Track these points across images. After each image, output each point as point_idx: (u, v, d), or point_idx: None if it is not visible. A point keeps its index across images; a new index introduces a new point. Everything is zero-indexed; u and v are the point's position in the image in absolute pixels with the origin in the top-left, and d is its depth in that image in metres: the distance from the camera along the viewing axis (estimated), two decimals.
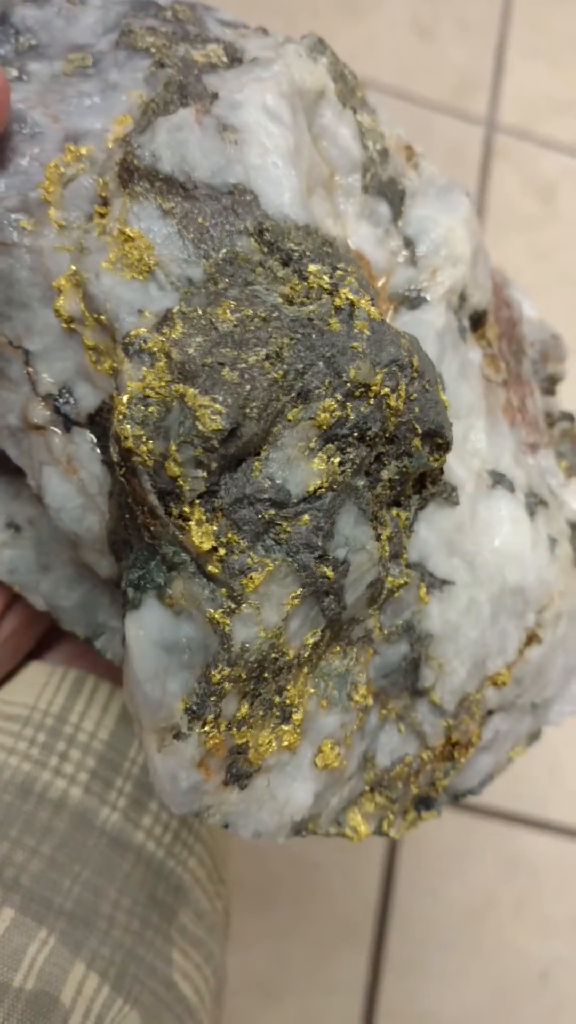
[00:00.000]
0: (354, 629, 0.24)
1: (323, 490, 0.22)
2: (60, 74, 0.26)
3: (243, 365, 0.21)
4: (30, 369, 0.24)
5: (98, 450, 0.24)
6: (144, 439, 0.21)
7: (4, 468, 0.27)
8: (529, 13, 0.98)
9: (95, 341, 0.23)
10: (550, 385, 0.33)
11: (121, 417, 0.21)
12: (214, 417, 0.21)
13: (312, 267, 0.23)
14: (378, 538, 0.24)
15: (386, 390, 0.22)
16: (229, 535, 0.21)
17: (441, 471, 0.25)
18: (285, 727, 0.23)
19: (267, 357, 0.21)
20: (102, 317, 0.23)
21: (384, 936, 0.63)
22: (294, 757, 0.24)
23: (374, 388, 0.22)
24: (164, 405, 0.21)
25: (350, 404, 0.22)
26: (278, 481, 0.22)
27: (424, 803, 0.27)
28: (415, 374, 0.23)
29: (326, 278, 0.23)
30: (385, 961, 0.63)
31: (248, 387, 0.21)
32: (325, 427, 0.22)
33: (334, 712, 0.24)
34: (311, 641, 0.23)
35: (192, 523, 0.21)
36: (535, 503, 0.28)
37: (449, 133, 0.89)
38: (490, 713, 0.28)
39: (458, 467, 0.27)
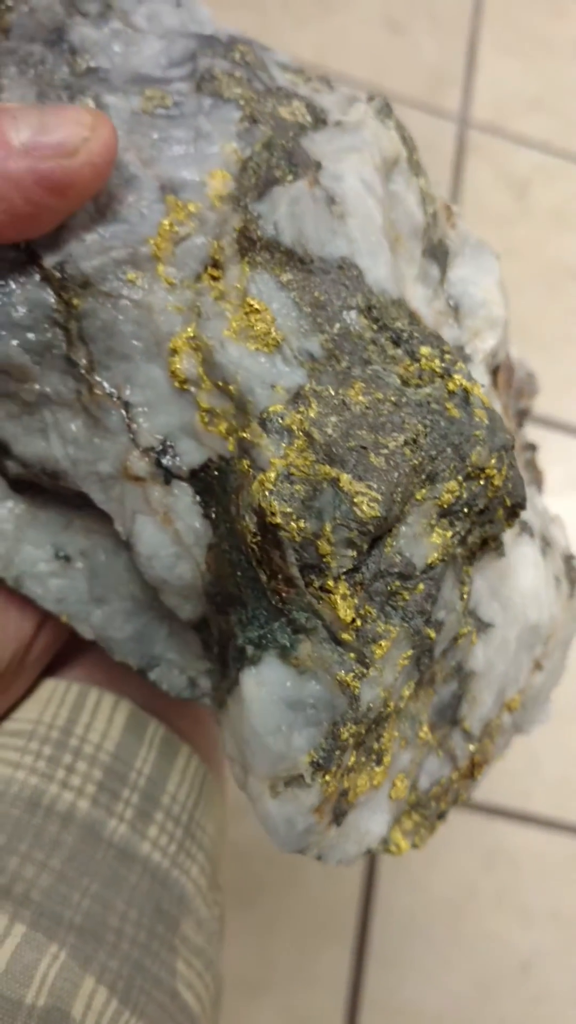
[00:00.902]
0: (425, 675, 0.26)
1: (438, 562, 0.23)
2: (140, 111, 0.25)
3: (385, 451, 0.22)
4: (131, 421, 0.25)
5: (198, 505, 0.25)
6: (294, 517, 0.22)
7: (53, 499, 0.27)
8: (500, 9, 0.98)
9: (211, 404, 0.24)
10: (520, 419, 0.34)
11: (267, 493, 0.22)
12: (372, 504, 0.22)
13: (424, 349, 0.24)
14: (463, 597, 0.25)
15: (494, 471, 0.24)
16: (366, 607, 0.23)
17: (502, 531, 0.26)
18: (377, 768, 0.25)
19: (406, 443, 0.22)
20: (230, 387, 0.23)
21: (367, 929, 0.64)
22: (377, 793, 0.25)
23: (489, 471, 0.23)
24: (311, 485, 0.22)
25: (467, 484, 0.23)
26: (406, 556, 0.23)
27: (446, 810, 0.29)
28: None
29: (437, 361, 0.24)
30: (368, 954, 0.63)
31: (396, 473, 0.22)
32: (446, 506, 0.23)
33: (409, 750, 0.26)
34: (407, 694, 0.25)
35: (337, 597, 0.22)
36: (545, 545, 0.30)
37: (422, 129, 0.89)
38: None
39: None
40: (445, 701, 0.27)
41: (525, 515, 0.29)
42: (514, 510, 0.25)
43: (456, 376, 0.24)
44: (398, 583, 0.23)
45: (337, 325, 0.24)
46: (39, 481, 0.27)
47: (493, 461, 0.24)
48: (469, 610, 0.27)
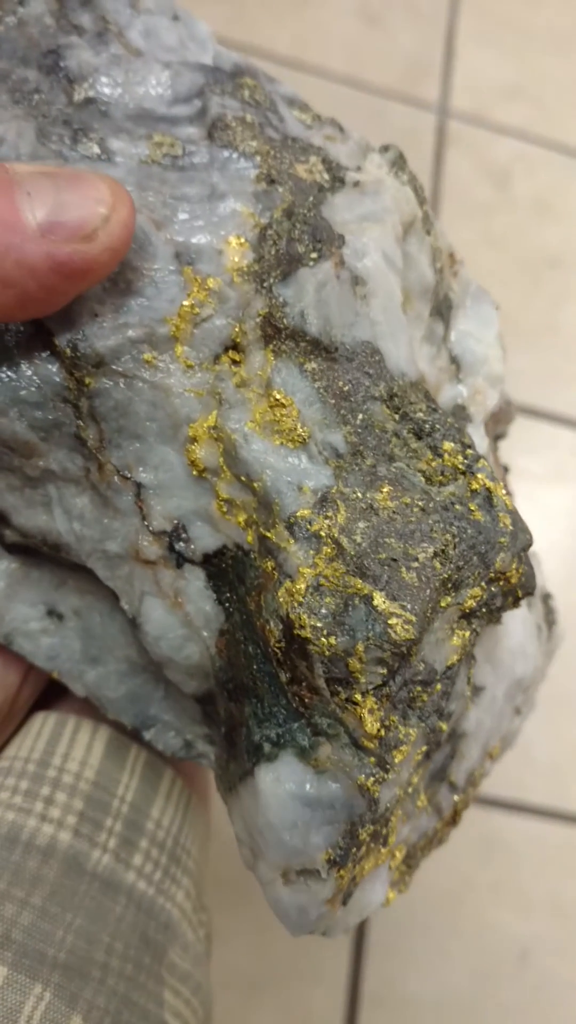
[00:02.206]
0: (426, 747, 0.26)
1: (456, 662, 0.23)
2: (148, 160, 0.24)
3: (416, 564, 0.22)
4: (142, 503, 0.24)
5: (211, 589, 0.24)
6: (324, 632, 0.21)
7: (47, 559, 0.27)
8: None
9: (231, 495, 0.23)
10: (495, 442, 0.33)
11: (297, 605, 0.21)
12: (407, 627, 0.21)
13: (447, 444, 0.23)
14: (469, 680, 0.25)
15: (514, 573, 0.23)
16: (391, 717, 0.22)
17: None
18: (383, 850, 0.25)
19: (435, 555, 0.22)
20: (254, 484, 0.22)
21: (364, 923, 0.64)
22: (380, 868, 0.25)
23: (510, 575, 0.23)
24: (342, 599, 0.21)
25: (488, 588, 0.23)
26: (429, 662, 0.23)
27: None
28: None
29: (460, 458, 0.23)
30: (367, 948, 0.63)
31: (427, 591, 0.22)
32: (468, 611, 0.23)
33: (408, 823, 0.26)
34: (415, 780, 0.24)
35: (364, 711, 0.22)
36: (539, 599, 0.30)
37: (401, 120, 0.89)
38: None
39: None
40: (439, 765, 0.27)
41: None
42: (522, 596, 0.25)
43: (480, 475, 0.23)
44: (419, 688, 0.23)
45: (360, 416, 0.23)
46: (39, 549, 0.26)
47: (515, 565, 0.23)
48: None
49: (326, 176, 0.24)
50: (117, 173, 0.23)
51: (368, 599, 0.21)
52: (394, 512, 0.22)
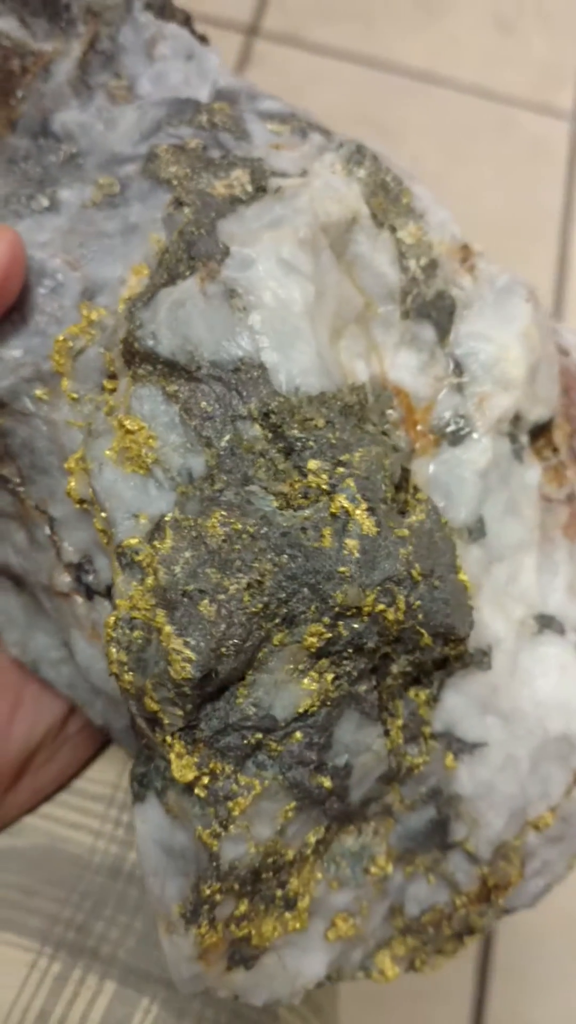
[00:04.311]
0: (369, 808, 0.24)
1: (315, 708, 0.21)
2: (89, 204, 0.24)
3: (223, 596, 0.20)
4: (55, 536, 0.24)
5: None
6: (126, 669, 0.20)
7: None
8: None
9: (103, 527, 0.22)
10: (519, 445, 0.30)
11: (108, 639, 0.21)
12: (184, 665, 0.20)
13: (312, 463, 0.21)
14: (387, 733, 0.23)
15: (381, 607, 0.21)
16: (212, 764, 0.21)
17: (465, 650, 0.23)
18: (289, 914, 0.23)
19: (248, 586, 0.20)
20: (102, 513, 0.22)
21: (491, 943, 0.64)
22: (304, 935, 0.23)
23: (366, 609, 0.21)
24: (147, 632, 0.20)
25: (341, 623, 0.21)
26: (264, 706, 0.21)
27: (467, 931, 0.26)
28: (419, 578, 0.21)
29: (325, 476, 0.21)
30: (492, 969, 0.63)
31: (223, 625, 0.20)
32: (313, 649, 0.21)
33: (346, 890, 0.23)
34: (313, 840, 0.22)
35: (172, 754, 0.21)
36: None
37: (533, 128, 0.88)
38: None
39: (496, 620, 0.24)
40: (417, 829, 0.24)
41: (556, 607, 0.25)
42: (447, 637, 0.22)
43: (339, 496, 0.21)
44: (259, 735, 0.21)
45: (227, 438, 0.21)
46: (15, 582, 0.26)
47: (371, 598, 0.21)
48: (439, 732, 0.24)
49: (249, 188, 0.24)
50: (59, 221, 0.24)
51: (159, 632, 0.20)
52: (223, 540, 0.21)
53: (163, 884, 0.22)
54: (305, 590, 0.21)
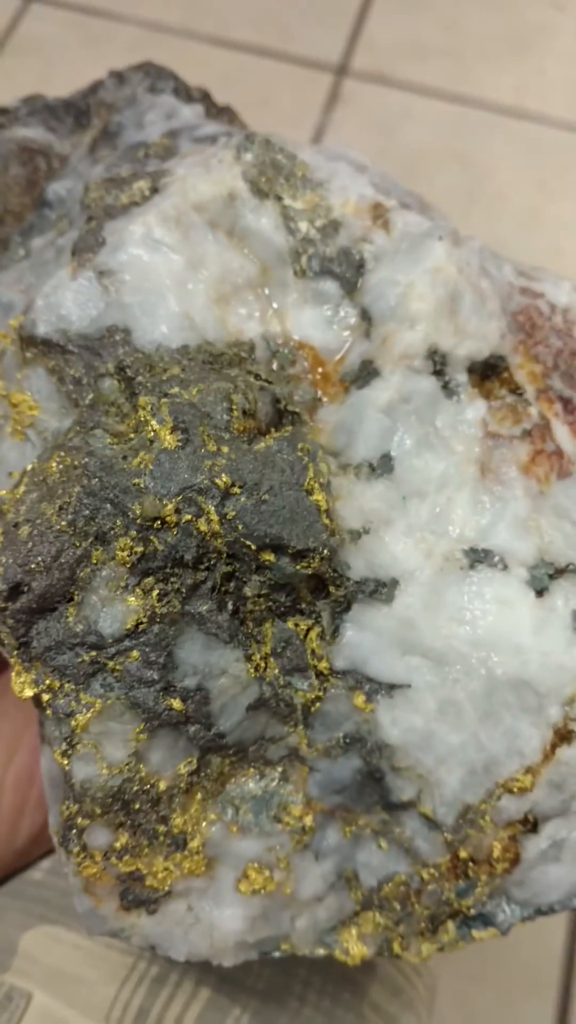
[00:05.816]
0: (268, 749, 0.24)
1: (144, 624, 0.22)
2: (49, 244, 0.28)
3: (40, 520, 0.22)
4: None
5: None
6: None
7: None
8: None
9: None
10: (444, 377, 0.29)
11: None
12: None
13: (142, 400, 0.23)
14: (249, 657, 0.23)
15: (188, 517, 0.22)
16: (48, 681, 0.22)
17: (335, 572, 0.23)
18: (181, 854, 0.23)
19: (60, 509, 0.22)
20: None
21: (570, 986, 0.63)
22: (213, 883, 0.23)
23: (169, 519, 0.22)
24: None
25: (155, 538, 0.22)
26: (91, 623, 0.22)
27: (482, 920, 0.25)
28: (237, 491, 0.22)
29: (149, 409, 0.23)
30: (572, 1012, 0.63)
31: (30, 544, 0.22)
32: (130, 564, 0.22)
33: (251, 836, 0.23)
34: (185, 771, 0.23)
35: (14, 674, 0.22)
36: (547, 576, 0.25)
37: None
38: (533, 824, 0.24)
39: (410, 555, 0.24)
40: (342, 779, 0.24)
41: (499, 542, 0.25)
42: (287, 550, 0.23)
43: (151, 421, 0.23)
44: (93, 652, 0.22)
45: (90, 396, 0.24)
46: None
47: (170, 507, 0.22)
48: (340, 670, 0.23)
49: (147, 193, 0.26)
50: (22, 265, 0.28)
51: None
52: (59, 478, 0.22)
53: (52, 810, 0.23)
54: (108, 506, 0.22)
